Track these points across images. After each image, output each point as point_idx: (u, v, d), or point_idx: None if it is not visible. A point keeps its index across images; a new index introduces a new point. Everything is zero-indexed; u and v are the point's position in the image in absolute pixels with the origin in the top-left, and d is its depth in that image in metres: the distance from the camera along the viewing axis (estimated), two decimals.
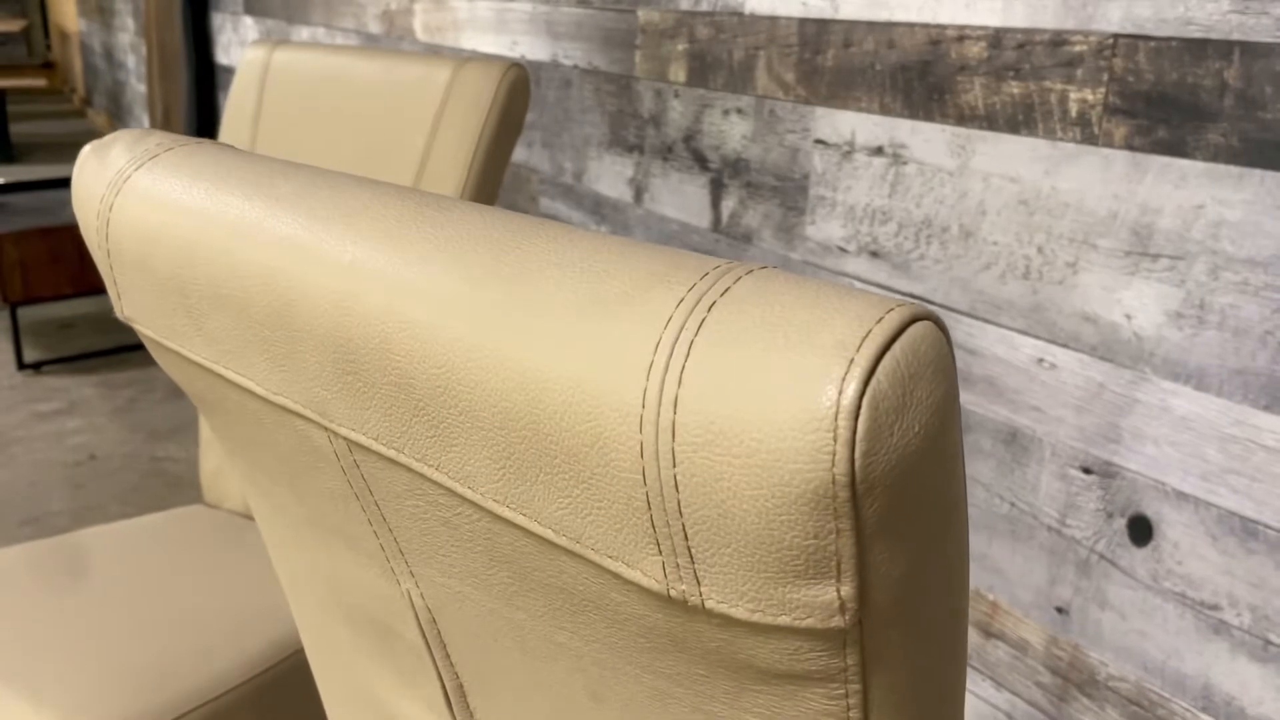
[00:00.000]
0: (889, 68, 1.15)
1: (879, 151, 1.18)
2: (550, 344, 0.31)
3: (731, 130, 1.38)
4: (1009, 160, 1.04)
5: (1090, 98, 0.96)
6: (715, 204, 1.43)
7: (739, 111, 1.37)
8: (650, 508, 0.29)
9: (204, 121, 3.43)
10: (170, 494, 2.24)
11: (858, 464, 0.26)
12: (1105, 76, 0.95)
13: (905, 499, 0.28)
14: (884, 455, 0.26)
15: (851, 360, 0.26)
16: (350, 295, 0.37)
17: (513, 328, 0.32)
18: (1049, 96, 1.00)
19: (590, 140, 1.67)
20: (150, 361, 2.99)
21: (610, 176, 1.63)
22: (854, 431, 0.26)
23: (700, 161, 1.44)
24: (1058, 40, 0.99)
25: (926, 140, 1.12)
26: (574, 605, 0.36)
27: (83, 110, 6.95)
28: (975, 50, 1.06)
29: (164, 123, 3.57)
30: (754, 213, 1.37)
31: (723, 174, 1.41)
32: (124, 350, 3.04)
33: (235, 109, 1.30)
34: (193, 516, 1.31)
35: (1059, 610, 1.06)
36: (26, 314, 3.26)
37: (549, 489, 0.32)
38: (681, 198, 1.48)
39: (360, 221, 0.38)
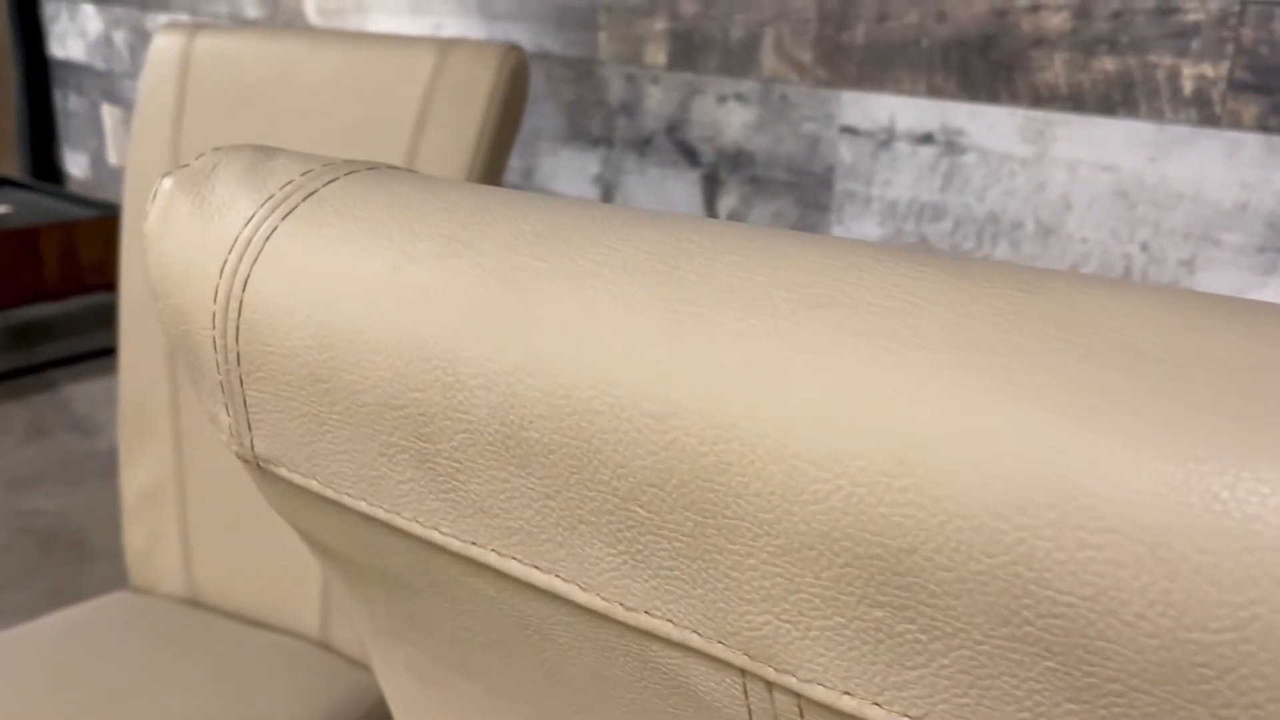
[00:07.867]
0: (939, 44, 1.01)
1: (927, 139, 1.04)
2: None
3: (729, 119, 1.22)
4: (1101, 146, 0.91)
5: (1210, 73, 0.85)
6: (709, 202, 1.27)
7: (738, 97, 1.21)
8: None
9: (40, 125, 3.06)
10: (45, 555, 1.94)
11: None
12: (1230, 49, 0.83)
13: None
14: None
15: None
16: (910, 472, 0.20)
17: None
18: (1154, 73, 0.88)
19: (541, 133, 1.48)
20: (4, 394, 2.62)
21: (569, 174, 1.44)
22: None
23: (688, 155, 1.28)
24: (1165, 8, 0.86)
25: (991, 125, 0.98)
26: None
27: None
28: (1055, 22, 0.93)
29: None
30: (761, 211, 1.21)
31: (718, 168, 1.25)
32: None
33: (147, 114, 1.06)
34: (122, 607, 1.07)
35: None
36: None
37: None
38: (664, 196, 1.31)
39: (822, 310, 0.21)
